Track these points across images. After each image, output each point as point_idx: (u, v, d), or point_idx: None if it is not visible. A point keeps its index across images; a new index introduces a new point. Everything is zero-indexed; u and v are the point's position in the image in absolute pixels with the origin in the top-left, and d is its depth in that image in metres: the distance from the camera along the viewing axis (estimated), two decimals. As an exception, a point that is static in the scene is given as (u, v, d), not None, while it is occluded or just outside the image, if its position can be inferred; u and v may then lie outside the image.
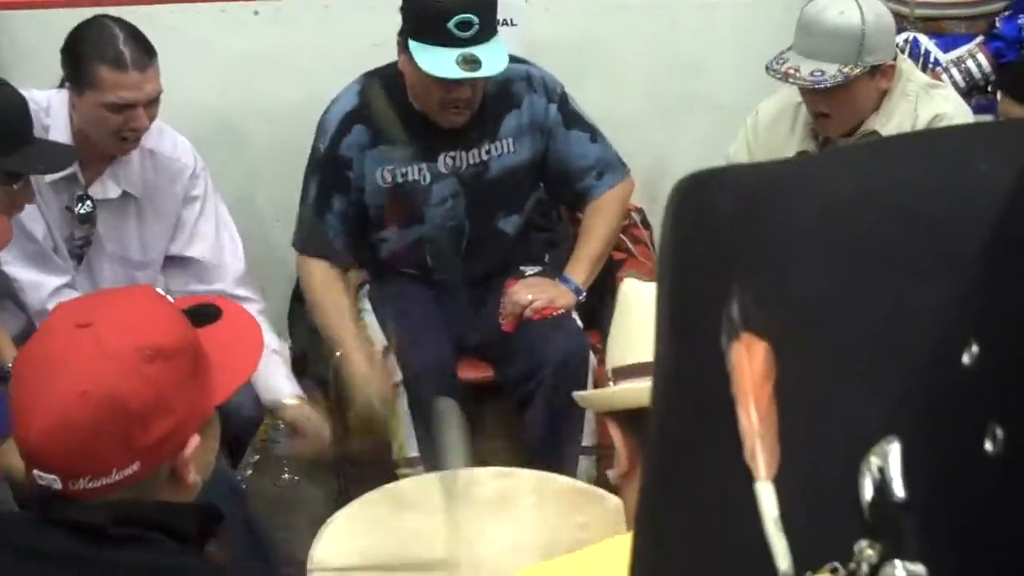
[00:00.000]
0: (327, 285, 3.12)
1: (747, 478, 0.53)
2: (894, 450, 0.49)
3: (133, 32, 2.75)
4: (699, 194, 0.60)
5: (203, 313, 1.63)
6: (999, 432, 0.44)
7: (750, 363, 0.55)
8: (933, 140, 0.67)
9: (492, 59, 2.90)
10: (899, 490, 0.49)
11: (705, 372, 0.56)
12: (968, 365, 0.47)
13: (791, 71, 2.83)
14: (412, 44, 2.91)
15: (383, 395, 3.02)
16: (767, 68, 2.88)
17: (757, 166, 0.68)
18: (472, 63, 2.86)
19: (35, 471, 1.47)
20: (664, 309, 0.59)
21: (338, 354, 3.04)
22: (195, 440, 1.51)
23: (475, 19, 2.87)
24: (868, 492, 0.50)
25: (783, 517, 0.52)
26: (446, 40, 2.86)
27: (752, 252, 0.58)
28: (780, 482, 0.52)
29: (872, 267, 0.55)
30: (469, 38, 2.87)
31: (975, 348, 0.46)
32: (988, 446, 0.44)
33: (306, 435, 2.97)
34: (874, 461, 0.50)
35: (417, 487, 2.56)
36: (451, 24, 2.85)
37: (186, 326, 1.56)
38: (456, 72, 2.86)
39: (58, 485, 1.46)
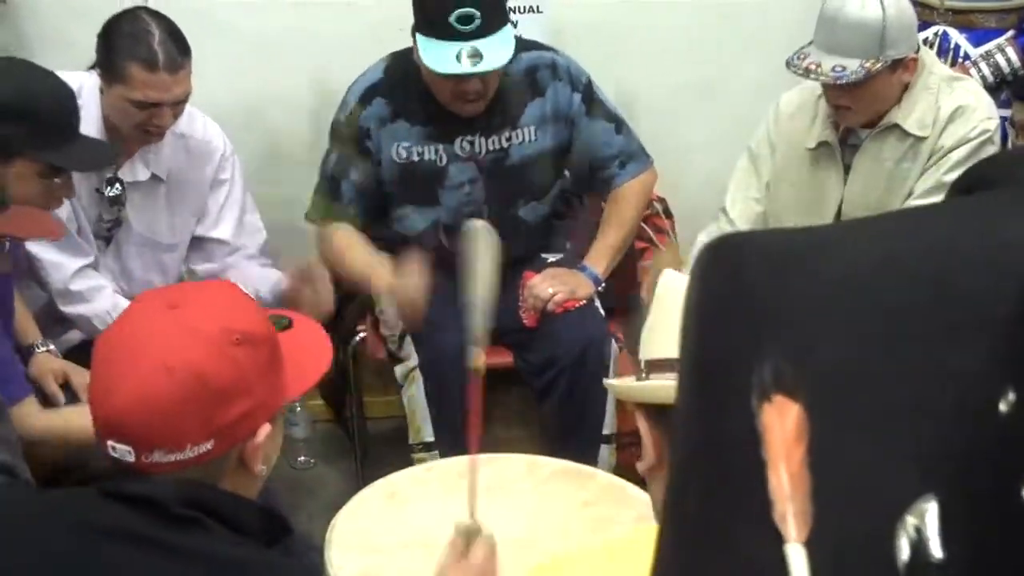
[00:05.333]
0: (349, 238, 3.11)
1: (777, 540, 0.52)
2: (931, 509, 0.48)
3: (170, 30, 2.75)
4: (728, 255, 0.60)
5: (276, 321, 1.69)
6: None
7: (782, 425, 0.54)
8: (960, 206, 0.66)
9: (494, 53, 2.89)
10: (936, 551, 0.48)
11: (732, 432, 0.56)
12: (1006, 413, 0.46)
13: (812, 66, 2.82)
14: (418, 38, 2.92)
15: (412, 302, 2.97)
16: (788, 63, 2.87)
17: (784, 232, 0.68)
18: (473, 57, 2.86)
19: (109, 442, 1.50)
20: (688, 366, 0.59)
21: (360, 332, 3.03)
22: (266, 428, 1.55)
23: (476, 13, 2.86)
24: (904, 553, 0.48)
25: None
26: (448, 34, 2.87)
27: (782, 315, 0.58)
28: (811, 544, 0.52)
29: (902, 335, 0.54)
30: (471, 32, 2.86)
31: (1012, 395, 0.46)
32: None
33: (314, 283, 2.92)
34: (911, 521, 0.49)
35: (414, 480, 2.56)
36: (452, 18, 2.86)
37: (267, 319, 1.62)
38: (456, 67, 2.86)
39: (131, 457, 1.49)
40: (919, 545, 0.48)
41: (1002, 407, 0.46)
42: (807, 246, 0.62)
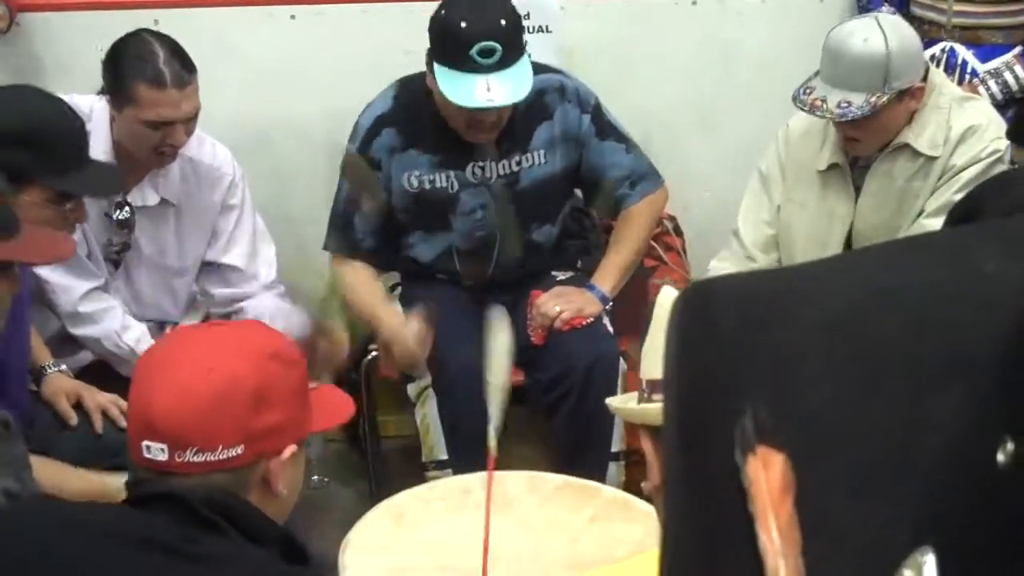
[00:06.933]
0: (361, 277, 3.16)
1: None
2: (929, 562, 0.48)
3: (174, 49, 2.77)
4: (701, 309, 0.60)
5: None
6: None
7: (767, 477, 0.53)
8: (938, 241, 0.65)
9: (514, 86, 2.89)
10: None
11: (718, 489, 0.55)
12: (1004, 463, 0.45)
13: (818, 102, 2.81)
14: (436, 67, 2.91)
15: (416, 348, 3.04)
16: (794, 99, 2.86)
17: (757, 275, 0.67)
18: (493, 90, 2.86)
19: (144, 443, 1.56)
20: (671, 423, 0.59)
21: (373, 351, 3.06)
22: (292, 447, 1.62)
23: (497, 47, 2.86)
24: None
25: None
26: (468, 66, 2.86)
27: (760, 363, 0.57)
28: None
29: (883, 377, 0.54)
30: (491, 65, 2.86)
31: (1010, 445, 0.45)
32: None
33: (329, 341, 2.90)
34: (907, 575, 0.48)
35: (419, 499, 2.56)
36: (473, 51, 2.85)
37: (300, 351, 1.72)
38: (476, 101, 2.87)
39: (163, 456, 1.55)
40: None
41: (1000, 457, 0.46)
42: (782, 289, 0.61)
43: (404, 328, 3.05)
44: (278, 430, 1.59)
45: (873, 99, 2.79)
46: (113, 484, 2.31)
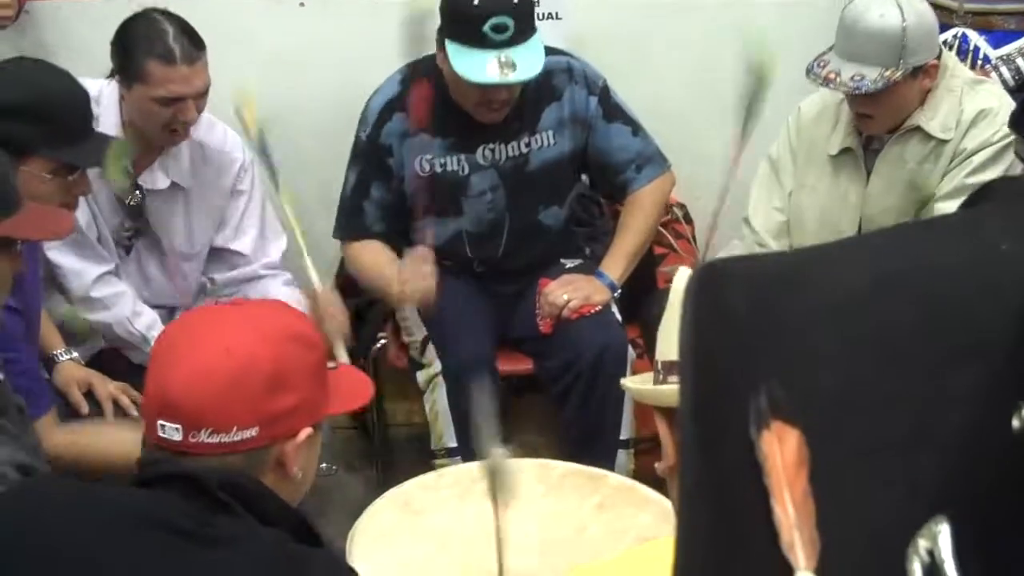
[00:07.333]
0: (374, 252, 3.14)
1: (786, 570, 0.52)
2: (944, 531, 0.49)
3: (182, 26, 2.77)
4: (713, 289, 0.60)
5: None
6: None
7: (782, 451, 0.54)
8: (945, 221, 0.66)
9: (527, 62, 2.90)
10: (951, 571, 0.48)
11: (732, 464, 0.56)
12: (1019, 428, 0.46)
13: (831, 75, 2.81)
14: (448, 45, 2.91)
15: (423, 289, 3.00)
16: (807, 71, 2.87)
17: (769, 256, 0.67)
18: (507, 66, 2.86)
19: (159, 421, 1.56)
20: (684, 401, 0.59)
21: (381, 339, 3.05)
22: (308, 430, 1.60)
23: (510, 22, 2.86)
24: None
25: None
26: (481, 42, 2.86)
27: (771, 341, 0.57)
28: (822, 572, 0.52)
29: (897, 356, 0.54)
30: (504, 41, 2.87)
31: None
32: None
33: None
34: (922, 544, 0.49)
35: (426, 487, 2.55)
36: (486, 27, 2.86)
37: (319, 333, 1.72)
38: (489, 77, 2.87)
39: (178, 436, 1.55)
40: (932, 568, 0.48)
41: (1015, 423, 0.46)
42: (793, 270, 0.62)
43: (410, 269, 3.02)
44: (294, 413, 1.59)
45: (887, 74, 2.79)
46: None
